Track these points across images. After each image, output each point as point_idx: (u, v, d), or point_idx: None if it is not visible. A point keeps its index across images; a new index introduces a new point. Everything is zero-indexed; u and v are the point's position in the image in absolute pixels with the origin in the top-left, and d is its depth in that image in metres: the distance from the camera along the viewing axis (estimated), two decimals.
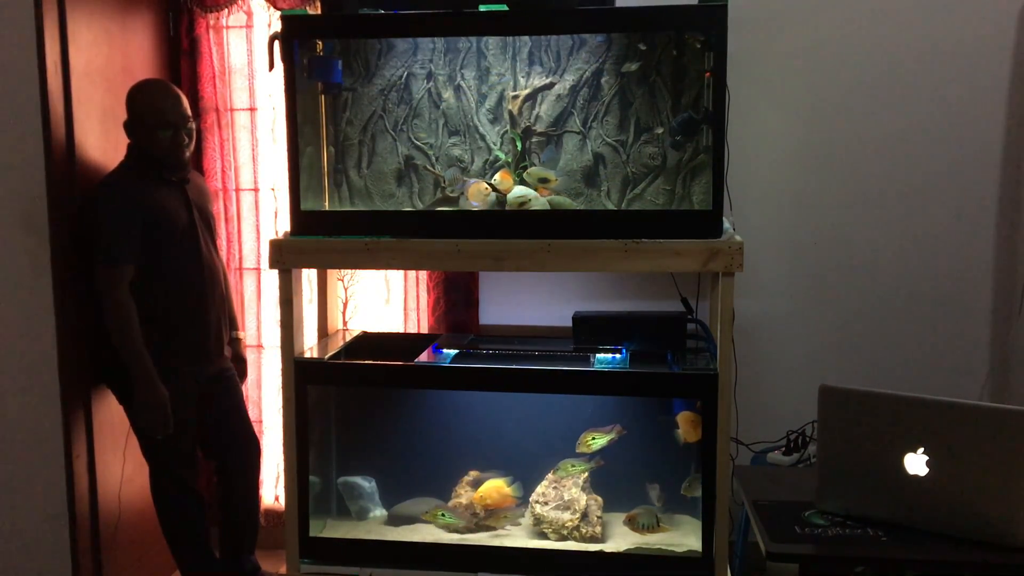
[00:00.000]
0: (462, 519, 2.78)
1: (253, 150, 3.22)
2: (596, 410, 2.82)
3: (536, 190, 2.71)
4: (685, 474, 2.75)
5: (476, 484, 2.85)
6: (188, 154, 2.72)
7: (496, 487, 2.78)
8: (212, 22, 3.14)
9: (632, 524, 2.72)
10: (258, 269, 3.24)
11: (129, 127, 2.68)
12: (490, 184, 2.72)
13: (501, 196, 2.71)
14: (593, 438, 2.73)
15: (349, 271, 3.17)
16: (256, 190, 3.23)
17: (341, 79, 2.81)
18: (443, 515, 2.78)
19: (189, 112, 2.70)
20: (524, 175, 2.74)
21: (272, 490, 3.31)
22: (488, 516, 2.78)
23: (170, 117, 2.63)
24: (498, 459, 2.86)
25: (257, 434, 3.05)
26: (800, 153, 3.02)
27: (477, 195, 2.70)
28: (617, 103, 2.74)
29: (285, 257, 2.64)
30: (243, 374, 3.02)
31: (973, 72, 2.91)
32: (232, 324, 2.97)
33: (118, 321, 2.59)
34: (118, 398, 2.76)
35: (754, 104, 2.97)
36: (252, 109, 3.21)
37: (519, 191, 2.70)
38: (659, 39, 2.68)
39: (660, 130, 2.71)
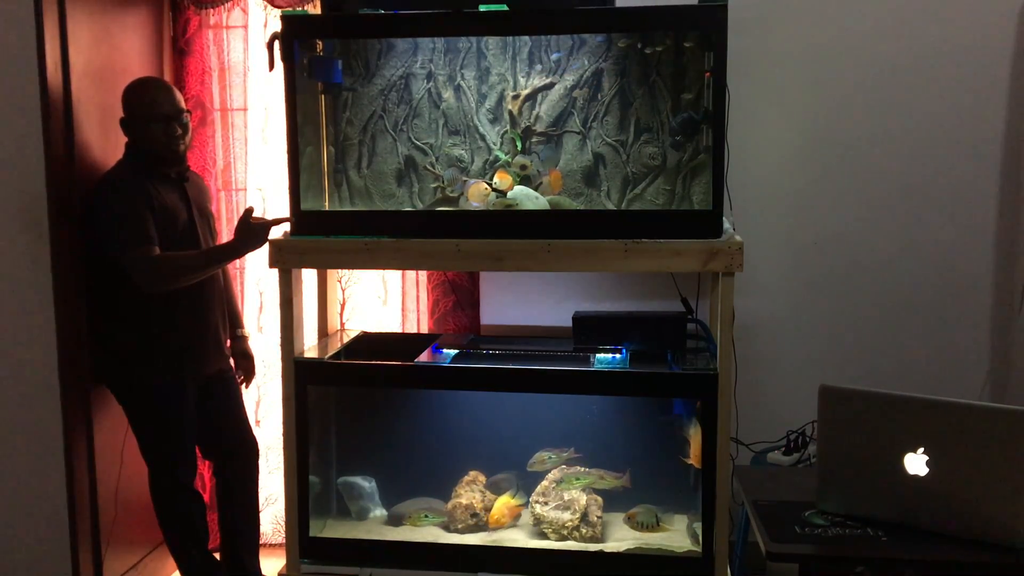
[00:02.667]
0: (445, 515, 2.78)
1: (243, 148, 3.22)
2: (598, 409, 2.82)
3: (520, 178, 2.72)
4: (685, 474, 2.75)
5: (476, 484, 2.86)
6: (184, 147, 2.71)
7: (504, 504, 2.77)
8: (212, 20, 3.14)
9: (632, 522, 2.72)
10: (241, 269, 3.24)
11: (124, 124, 2.69)
12: (489, 184, 2.71)
13: (503, 196, 2.71)
14: (549, 457, 2.75)
15: (346, 272, 3.17)
16: (244, 189, 3.24)
17: (341, 79, 2.81)
18: (425, 516, 2.77)
19: (183, 104, 2.70)
20: (510, 166, 2.75)
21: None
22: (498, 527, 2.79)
23: (161, 109, 2.64)
24: (498, 459, 2.86)
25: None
26: (800, 153, 3.02)
27: (477, 195, 2.70)
28: (617, 103, 2.74)
29: (285, 257, 2.64)
30: (251, 371, 3.00)
31: (973, 72, 2.91)
32: (235, 322, 2.97)
33: (177, 270, 2.60)
34: (117, 398, 2.76)
35: (754, 104, 2.97)
36: (244, 109, 3.21)
37: (516, 192, 2.70)
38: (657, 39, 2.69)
39: (689, 95, 2.67)
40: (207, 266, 2.68)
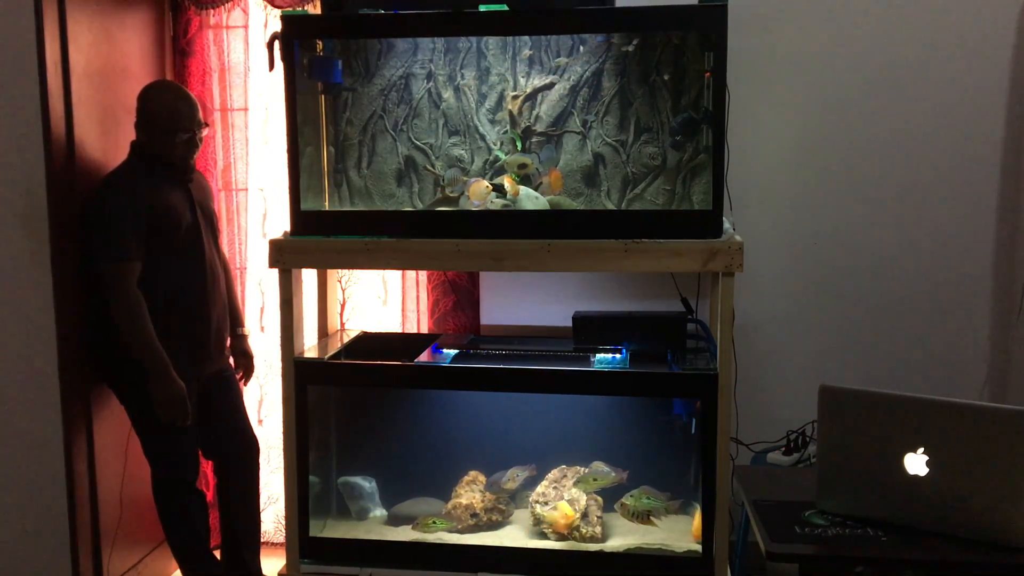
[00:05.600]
0: (455, 520, 2.77)
1: (243, 148, 3.23)
2: (601, 410, 2.82)
3: (519, 178, 2.72)
4: (686, 473, 2.75)
5: (476, 484, 2.86)
6: (195, 158, 2.74)
7: (564, 514, 2.72)
8: (212, 21, 3.14)
9: (624, 511, 2.71)
10: (242, 269, 3.24)
11: (141, 127, 2.67)
12: (491, 185, 2.71)
13: (502, 196, 2.71)
14: (595, 479, 2.71)
15: (346, 272, 3.17)
16: (245, 190, 3.24)
17: (341, 79, 2.81)
18: (434, 522, 2.76)
19: (203, 118, 2.73)
20: (505, 164, 2.75)
21: None
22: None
23: (187, 123, 2.65)
24: (498, 459, 2.85)
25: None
26: (800, 153, 3.02)
27: (478, 194, 2.70)
28: (617, 103, 2.74)
29: (285, 257, 2.64)
30: (250, 369, 3.00)
31: (973, 72, 2.91)
32: (236, 320, 2.96)
33: (129, 317, 2.57)
34: (118, 397, 2.76)
35: (754, 104, 2.97)
36: (244, 109, 3.21)
37: (521, 193, 2.70)
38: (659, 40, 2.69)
39: (683, 86, 2.67)
40: (138, 347, 2.59)
